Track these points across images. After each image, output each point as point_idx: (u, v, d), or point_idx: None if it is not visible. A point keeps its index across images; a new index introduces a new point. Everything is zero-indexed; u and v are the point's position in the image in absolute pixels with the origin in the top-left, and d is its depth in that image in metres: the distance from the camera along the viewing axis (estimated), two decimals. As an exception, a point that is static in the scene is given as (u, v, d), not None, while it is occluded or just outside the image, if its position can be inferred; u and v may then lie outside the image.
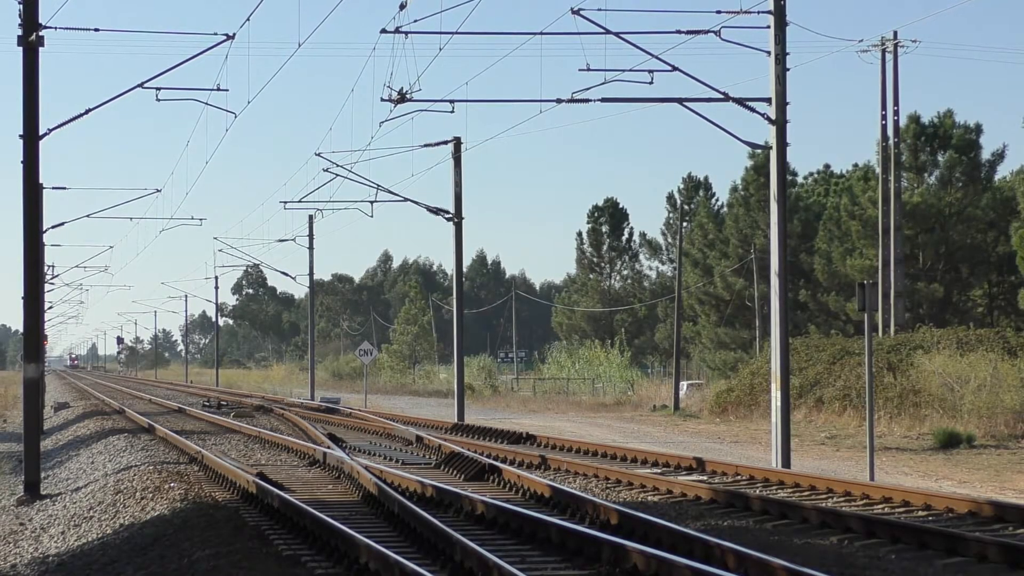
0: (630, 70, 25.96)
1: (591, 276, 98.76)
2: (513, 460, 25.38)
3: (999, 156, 61.29)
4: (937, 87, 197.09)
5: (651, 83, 26.01)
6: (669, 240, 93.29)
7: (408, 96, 30.31)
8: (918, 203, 57.77)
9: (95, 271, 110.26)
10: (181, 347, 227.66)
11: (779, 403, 25.35)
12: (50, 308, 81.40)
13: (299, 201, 51.23)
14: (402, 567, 11.97)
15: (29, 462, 24.54)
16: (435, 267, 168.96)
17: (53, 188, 46.55)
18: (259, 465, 24.69)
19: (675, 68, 25.66)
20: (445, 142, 42.42)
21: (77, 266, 74.68)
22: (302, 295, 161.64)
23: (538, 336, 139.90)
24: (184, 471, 23.85)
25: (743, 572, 12.06)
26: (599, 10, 24.82)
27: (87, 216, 52.07)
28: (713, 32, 25.36)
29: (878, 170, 53.01)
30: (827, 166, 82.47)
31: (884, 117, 49.92)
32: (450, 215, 42.47)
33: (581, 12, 24.77)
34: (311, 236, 66.89)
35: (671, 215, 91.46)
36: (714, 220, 79.31)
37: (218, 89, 27.64)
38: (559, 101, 27.59)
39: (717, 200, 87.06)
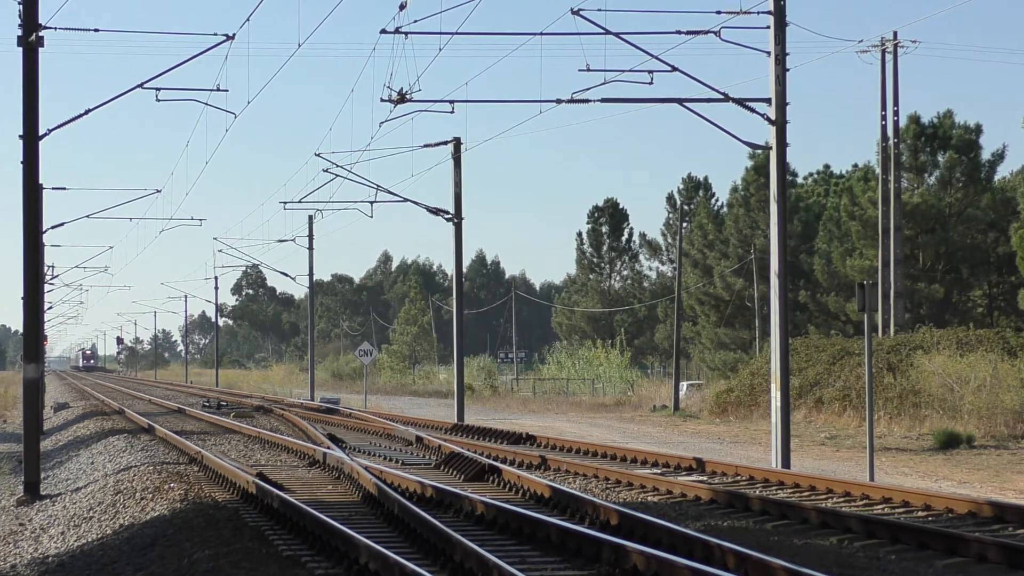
0: (630, 70, 25.99)
1: (591, 276, 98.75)
2: (513, 460, 25.38)
3: (999, 156, 61.31)
4: (937, 87, 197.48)
5: (651, 83, 26.06)
6: (669, 240, 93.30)
7: (408, 96, 30.32)
8: (918, 203, 57.75)
9: (95, 271, 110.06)
10: (181, 347, 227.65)
11: (779, 403, 25.35)
12: (50, 308, 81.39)
13: (299, 201, 51.28)
14: (402, 567, 11.97)
15: (29, 462, 24.54)
16: (435, 267, 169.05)
17: (53, 188, 46.63)
18: (259, 465, 24.69)
19: (675, 68, 25.68)
20: (445, 142, 42.43)
21: (77, 266, 74.80)
22: (302, 295, 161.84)
23: (538, 336, 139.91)
24: (184, 471, 23.85)
25: (743, 572, 12.06)
26: (599, 10, 24.86)
27: (87, 216, 52.05)
28: (713, 32, 25.37)
29: (878, 170, 53.00)
30: (827, 166, 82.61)
31: (884, 117, 49.91)
32: (450, 215, 42.47)
33: (581, 12, 24.78)
34: (311, 236, 66.94)
35: (671, 215, 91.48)
36: (714, 220, 79.32)
37: (218, 89, 27.66)
38: (559, 101, 27.61)
39: (717, 200, 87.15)
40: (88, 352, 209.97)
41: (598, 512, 16.20)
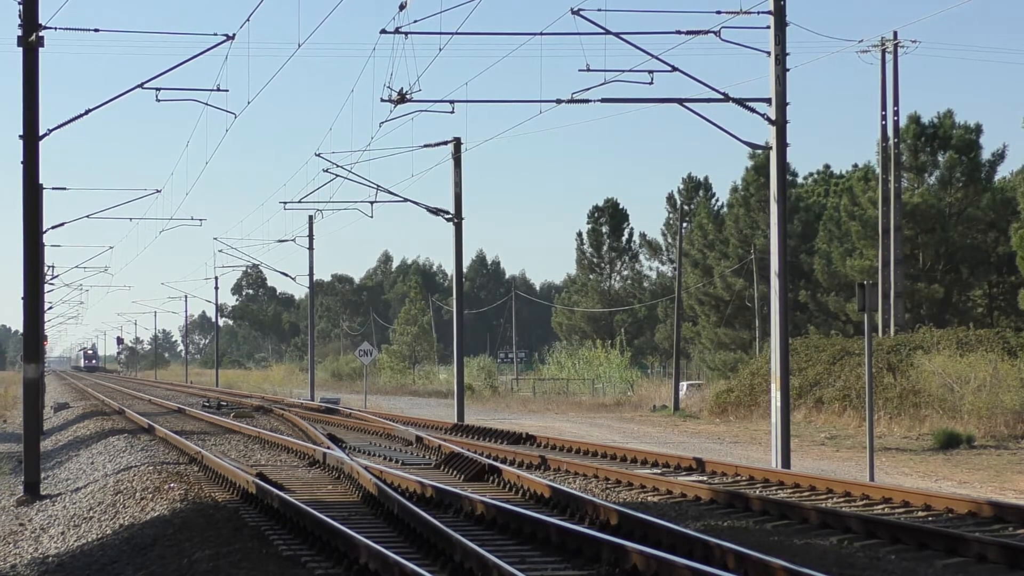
0: (630, 70, 25.99)
1: (591, 276, 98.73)
2: (513, 460, 25.38)
3: (999, 156, 61.35)
4: (937, 87, 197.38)
5: (651, 83, 26.05)
6: (669, 240, 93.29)
7: (408, 96, 30.32)
8: (918, 203, 57.75)
9: (95, 271, 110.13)
10: (181, 347, 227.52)
11: (779, 403, 25.34)
12: (50, 308, 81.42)
13: (299, 201, 51.25)
14: (402, 567, 11.97)
15: (29, 462, 24.54)
16: (435, 267, 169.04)
17: (53, 188, 46.63)
18: (259, 465, 24.69)
19: (675, 68, 25.68)
20: (445, 142, 42.42)
21: (77, 266, 74.81)
22: (302, 295, 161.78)
23: (538, 336, 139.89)
24: (184, 471, 23.84)
25: (743, 572, 12.06)
26: (599, 10, 24.85)
27: (87, 216, 51.99)
28: (713, 32, 25.37)
29: (878, 170, 53.01)
30: (827, 166, 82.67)
31: (884, 117, 49.91)
32: (450, 215, 42.47)
33: (581, 12, 24.78)
34: (311, 236, 66.94)
35: (671, 215, 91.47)
36: (714, 220, 79.33)
37: (218, 89, 27.64)
38: (559, 101, 27.61)
39: (717, 200, 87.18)
40: (90, 352, 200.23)
41: (598, 512, 16.20)
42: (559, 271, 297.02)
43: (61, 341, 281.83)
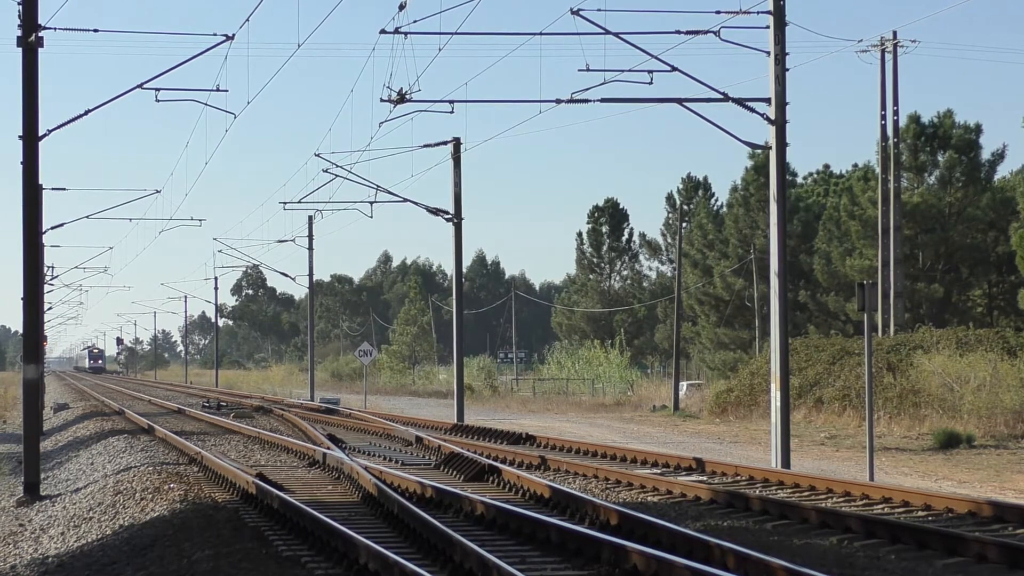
0: (630, 70, 25.99)
1: (591, 276, 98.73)
2: (513, 461, 25.37)
3: (999, 156, 61.37)
4: (937, 87, 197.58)
5: (651, 83, 26.04)
6: (669, 240, 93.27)
7: (408, 96, 30.32)
8: (918, 203, 57.76)
9: (95, 272, 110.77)
10: (180, 348, 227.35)
11: (779, 403, 25.34)
12: (49, 309, 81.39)
13: (299, 202, 51.23)
14: (402, 568, 11.97)
15: (29, 463, 24.54)
16: (435, 267, 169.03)
17: (53, 189, 46.62)
18: (259, 466, 24.69)
19: (675, 68, 25.68)
20: (445, 142, 42.41)
21: (77, 267, 74.86)
22: (302, 296, 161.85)
23: (538, 336, 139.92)
24: (184, 472, 23.85)
25: (743, 572, 12.06)
26: (599, 10, 24.87)
27: (87, 217, 51.98)
28: (713, 32, 25.37)
29: (878, 170, 53.01)
30: (827, 166, 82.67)
31: (884, 117, 49.91)
32: (450, 215, 42.46)
33: (581, 12, 24.79)
34: (311, 237, 66.95)
35: (671, 215, 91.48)
36: (714, 220, 79.32)
37: (217, 90, 27.64)
38: (559, 101, 27.60)
39: (717, 200, 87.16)
40: (96, 351, 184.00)
41: (598, 512, 16.20)
42: (559, 271, 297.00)
43: (61, 341, 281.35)
